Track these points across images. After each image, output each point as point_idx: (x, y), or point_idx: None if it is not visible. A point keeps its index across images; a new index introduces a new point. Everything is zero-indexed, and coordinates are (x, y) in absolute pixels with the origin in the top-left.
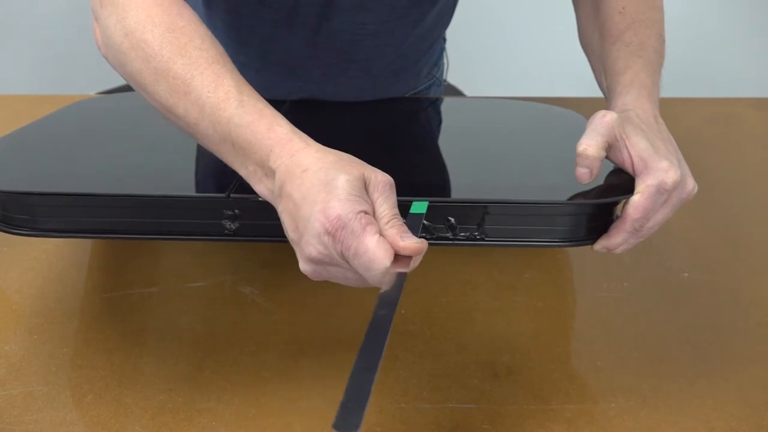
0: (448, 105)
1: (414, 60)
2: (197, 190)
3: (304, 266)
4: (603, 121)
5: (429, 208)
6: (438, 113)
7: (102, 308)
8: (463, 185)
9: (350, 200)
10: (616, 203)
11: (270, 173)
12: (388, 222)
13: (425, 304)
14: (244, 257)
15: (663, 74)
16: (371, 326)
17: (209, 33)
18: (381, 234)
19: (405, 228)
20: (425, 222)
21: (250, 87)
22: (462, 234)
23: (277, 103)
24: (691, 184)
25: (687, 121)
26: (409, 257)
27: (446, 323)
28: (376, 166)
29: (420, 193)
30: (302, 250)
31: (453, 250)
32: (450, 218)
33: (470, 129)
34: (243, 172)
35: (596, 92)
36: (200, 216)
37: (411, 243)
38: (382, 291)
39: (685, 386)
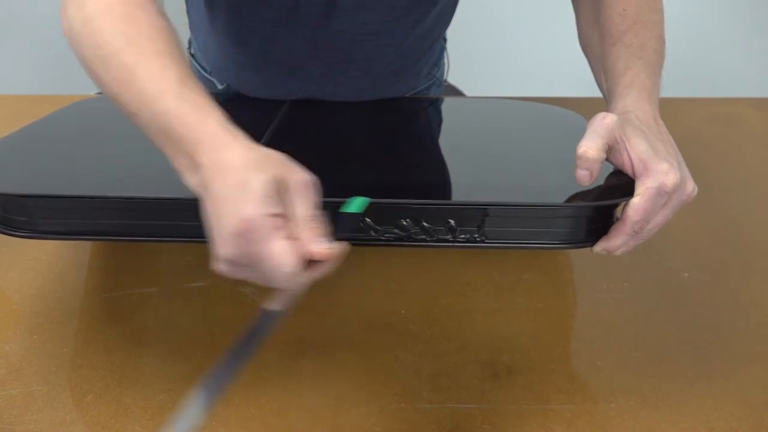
0: (448, 105)
1: (414, 60)
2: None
3: (218, 265)
4: (603, 123)
5: (427, 209)
6: (438, 113)
7: (102, 308)
8: (463, 187)
9: (262, 202)
10: (616, 205)
11: (197, 167)
12: (305, 224)
13: (425, 304)
14: None
15: (663, 74)
16: (243, 339)
17: (167, 26)
18: (295, 237)
19: (321, 230)
20: (425, 224)
21: (194, 80)
22: (462, 236)
23: (277, 103)
24: (690, 186)
25: (687, 121)
26: (319, 262)
27: (446, 323)
28: (375, 167)
29: (420, 194)
30: (216, 249)
31: (453, 251)
32: (450, 220)
33: (470, 129)
34: (175, 165)
35: (596, 92)
36: (200, 218)
37: (322, 248)
38: (276, 299)
39: (685, 386)
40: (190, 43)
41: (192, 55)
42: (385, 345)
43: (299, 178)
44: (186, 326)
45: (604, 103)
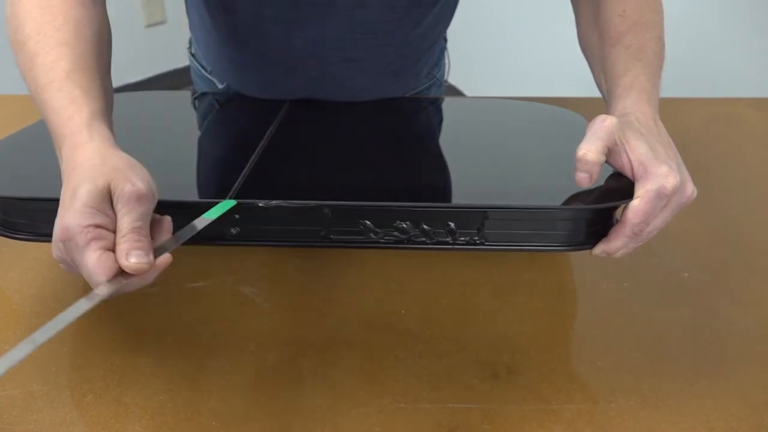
0: (448, 105)
1: (414, 60)
2: (198, 195)
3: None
4: (603, 125)
5: (426, 212)
6: (438, 113)
7: (102, 308)
8: (462, 189)
9: (83, 212)
10: (615, 208)
11: (61, 162)
12: (123, 236)
13: (425, 304)
14: (244, 257)
15: (663, 75)
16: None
17: (82, 16)
18: (115, 247)
19: (138, 244)
20: (425, 226)
21: (87, 73)
22: (462, 239)
23: (277, 104)
24: (690, 189)
25: (687, 121)
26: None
27: (446, 323)
28: (375, 168)
29: (420, 197)
30: (51, 248)
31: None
32: (450, 223)
33: (470, 130)
34: (57, 155)
35: (596, 92)
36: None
37: (133, 263)
38: (81, 298)
39: (685, 386)
40: (190, 42)
41: (192, 55)
42: (385, 345)
43: (128, 188)
44: (186, 326)
45: (604, 104)
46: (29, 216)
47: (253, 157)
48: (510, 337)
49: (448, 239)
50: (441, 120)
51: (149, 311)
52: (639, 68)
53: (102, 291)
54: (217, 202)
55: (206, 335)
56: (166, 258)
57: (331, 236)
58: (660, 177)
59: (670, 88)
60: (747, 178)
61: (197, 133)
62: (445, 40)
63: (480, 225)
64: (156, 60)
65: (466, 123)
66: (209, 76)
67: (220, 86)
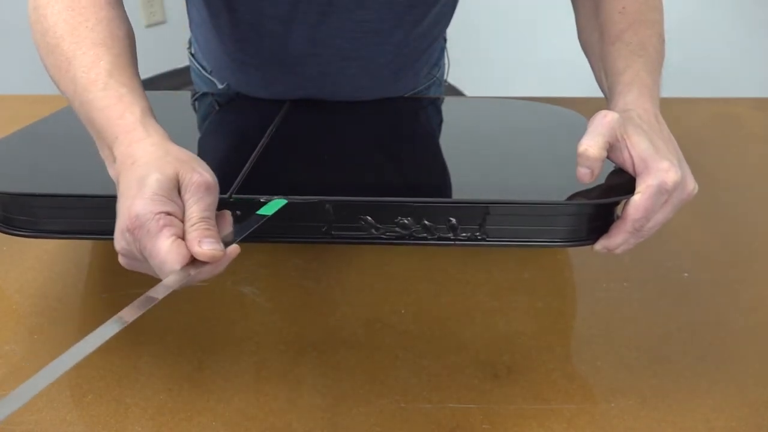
0: (448, 105)
1: (414, 59)
2: None
3: (119, 258)
4: (604, 121)
5: (428, 208)
6: (438, 113)
7: (102, 308)
8: (464, 185)
9: (153, 200)
10: (616, 203)
11: (114, 160)
12: (193, 225)
13: (425, 304)
14: (243, 257)
15: (663, 74)
16: (95, 331)
17: (111, 16)
18: (185, 236)
19: (209, 233)
20: (426, 222)
21: (127, 72)
22: (463, 234)
23: (277, 103)
24: (691, 185)
25: (687, 121)
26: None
27: (446, 323)
28: (375, 166)
29: (421, 193)
30: (114, 242)
31: (453, 250)
32: (451, 219)
33: (471, 128)
34: (102, 155)
35: (596, 92)
36: None
37: (206, 249)
38: (147, 294)
39: (685, 386)
40: (190, 42)
41: (192, 55)
42: (385, 345)
43: (197, 178)
44: (186, 326)
45: (605, 103)
46: (29, 213)
47: (253, 156)
48: (510, 337)
49: (449, 235)
50: (441, 119)
51: (149, 311)
52: (640, 65)
53: (172, 280)
54: (267, 200)
55: (206, 335)
56: (235, 248)
57: (333, 232)
58: (661, 172)
59: (670, 88)
60: (747, 178)
61: (197, 133)
62: (445, 40)
63: (481, 220)
64: (156, 60)
65: (467, 122)
66: (209, 76)
67: (220, 86)
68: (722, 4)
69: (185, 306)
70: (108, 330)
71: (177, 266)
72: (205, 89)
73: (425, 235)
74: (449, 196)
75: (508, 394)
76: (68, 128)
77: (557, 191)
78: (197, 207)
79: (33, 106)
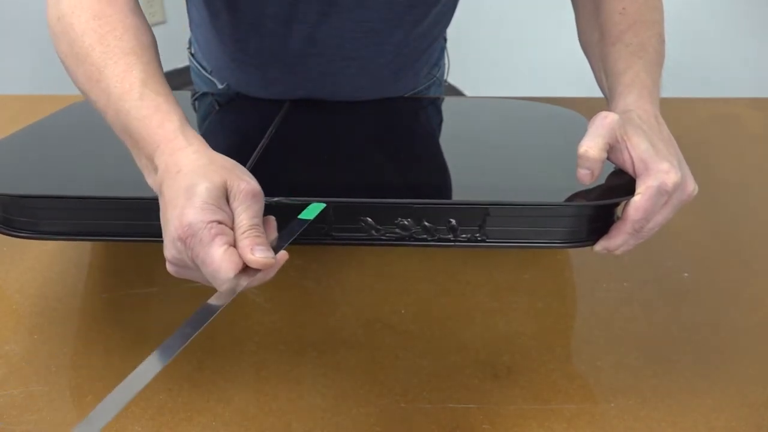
0: (448, 105)
1: (414, 59)
2: None
3: (167, 265)
4: (604, 122)
5: (428, 209)
6: (438, 113)
7: (102, 308)
8: (464, 186)
9: (204, 209)
10: (616, 204)
11: (156, 169)
12: (243, 232)
13: (425, 304)
14: None
15: (663, 74)
16: (167, 341)
17: (137, 24)
18: (235, 244)
19: (259, 240)
20: (426, 223)
21: (159, 80)
22: (463, 236)
23: (277, 103)
24: (691, 186)
25: (687, 121)
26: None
27: (446, 323)
28: (375, 166)
29: (421, 194)
30: (164, 250)
31: (453, 251)
32: (451, 220)
33: (471, 129)
34: (139, 164)
35: (596, 92)
36: None
37: (259, 257)
38: (204, 304)
39: (685, 386)
40: (190, 42)
41: (192, 55)
42: (385, 345)
43: (244, 186)
44: None
45: (605, 103)
46: (30, 214)
47: (253, 157)
48: (510, 337)
49: (449, 236)
50: (441, 119)
51: (149, 311)
52: (640, 66)
53: (228, 288)
54: (306, 203)
55: (206, 335)
56: (284, 254)
57: (333, 233)
58: (661, 173)
59: (670, 88)
60: (747, 178)
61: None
62: (445, 40)
63: (481, 222)
64: None
65: (467, 122)
66: (209, 76)
67: (220, 86)
68: (722, 4)
69: (185, 306)
70: (176, 342)
71: (231, 274)
72: (205, 89)
73: (425, 236)
74: (449, 197)
75: (508, 394)
76: (68, 129)
77: (557, 192)
78: (246, 215)
79: (33, 106)
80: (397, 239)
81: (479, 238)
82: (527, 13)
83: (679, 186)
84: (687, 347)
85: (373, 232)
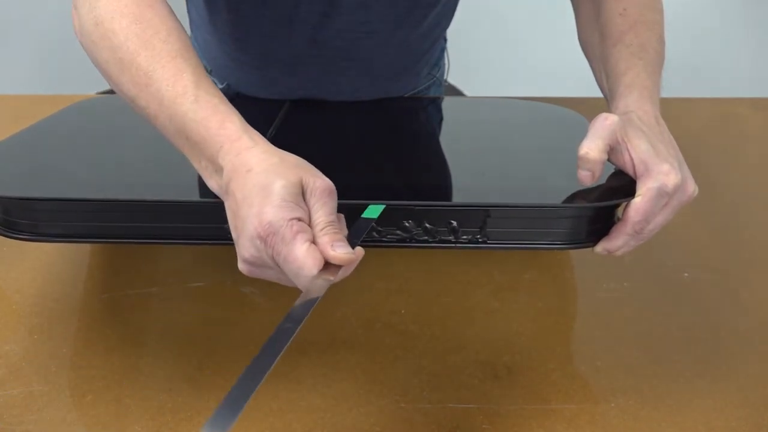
0: (448, 105)
1: (414, 60)
2: (199, 195)
3: (241, 265)
4: (605, 124)
5: (429, 211)
6: (439, 113)
7: (102, 308)
8: (464, 188)
9: (283, 207)
10: (617, 206)
11: (219, 170)
12: (322, 229)
13: (425, 304)
14: None
15: (663, 74)
16: (272, 337)
17: (177, 26)
18: (314, 241)
19: (339, 236)
20: (427, 225)
21: (210, 82)
22: (464, 237)
23: (277, 103)
24: (691, 187)
25: (687, 121)
26: (338, 266)
27: (446, 323)
28: (376, 168)
29: (422, 196)
30: (239, 250)
31: (453, 251)
32: (452, 221)
33: (471, 129)
34: (197, 166)
35: (597, 92)
36: (201, 221)
37: (341, 253)
38: (298, 301)
39: (685, 386)
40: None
41: None
42: (385, 345)
43: (320, 183)
44: (186, 326)
45: (605, 103)
46: (31, 216)
47: None
48: (510, 337)
49: (450, 238)
50: (442, 119)
51: (149, 311)
52: (640, 67)
53: (318, 285)
54: (366, 204)
55: (206, 335)
56: (360, 250)
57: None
58: (661, 175)
59: (670, 88)
60: (747, 178)
61: None
62: (445, 40)
63: (482, 223)
64: None
65: (467, 122)
66: (209, 76)
67: (220, 86)
68: (722, 4)
69: (185, 306)
70: (284, 335)
71: (315, 271)
72: None
73: (426, 238)
74: (450, 198)
75: (508, 394)
76: (68, 130)
77: (557, 193)
78: (323, 211)
79: (33, 106)
80: (398, 241)
81: (480, 240)
82: (527, 13)
83: (679, 188)
84: (687, 347)
85: (375, 234)
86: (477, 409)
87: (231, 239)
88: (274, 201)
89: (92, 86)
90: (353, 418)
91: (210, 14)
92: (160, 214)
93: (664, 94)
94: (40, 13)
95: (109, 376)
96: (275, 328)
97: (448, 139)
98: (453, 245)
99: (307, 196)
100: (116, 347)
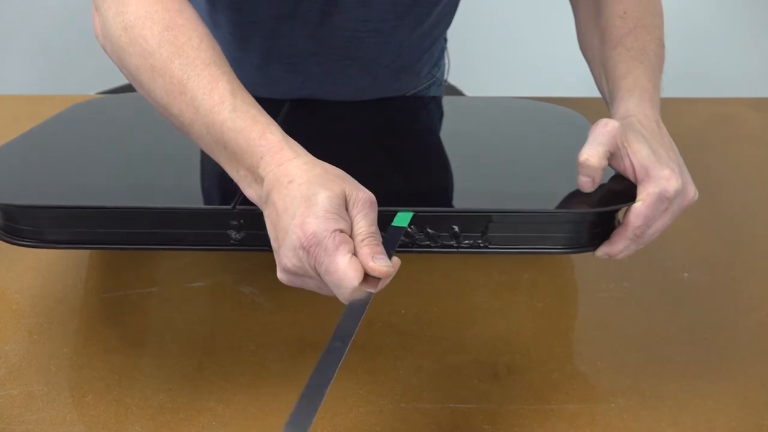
0: (448, 105)
1: (415, 59)
2: (203, 201)
3: (280, 275)
4: (605, 130)
5: (431, 216)
6: (438, 113)
7: (102, 308)
8: (466, 192)
9: (327, 218)
10: (617, 211)
11: (259, 179)
12: (363, 240)
13: (425, 304)
14: (244, 258)
15: (663, 74)
16: (324, 355)
17: (208, 32)
18: (355, 252)
19: (379, 248)
20: (429, 230)
21: (245, 91)
22: (466, 242)
23: (277, 103)
24: (692, 192)
25: (687, 122)
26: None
27: (446, 323)
28: (377, 170)
29: (421, 199)
30: (280, 259)
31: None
32: (454, 227)
33: (471, 129)
34: (234, 175)
35: (597, 92)
36: (206, 227)
37: (381, 265)
38: (344, 313)
39: (685, 386)
40: None
41: None
42: (385, 345)
43: (362, 195)
44: (186, 326)
45: (605, 104)
46: (33, 223)
47: None
48: (510, 337)
49: (452, 243)
50: (442, 119)
51: (149, 311)
52: (640, 70)
53: (363, 295)
54: (395, 211)
55: (206, 335)
56: (397, 261)
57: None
58: (662, 180)
59: (670, 89)
60: (747, 178)
61: None
62: (445, 40)
63: (484, 228)
64: None
65: (467, 122)
66: None
67: None
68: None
69: (185, 306)
70: (335, 354)
71: (356, 282)
72: None
73: (428, 242)
74: (451, 203)
75: (508, 394)
76: (69, 133)
77: (558, 198)
78: (365, 222)
79: (33, 106)
80: (400, 246)
81: (482, 245)
82: (527, 14)
83: (679, 192)
84: (687, 347)
85: None
86: (477, 409)
87: (233, 245)
88: (318, 212)
89: (92, 86)
90: (353, 418)
91: (211, 11)
92: (165, 221)
93: (665, 95)
94: (41, 13)
95: (109, 376)
96: (326, 346)
97: (448, 140)
98: (455, 250)
99: (350, 207)
100: (116, 347)
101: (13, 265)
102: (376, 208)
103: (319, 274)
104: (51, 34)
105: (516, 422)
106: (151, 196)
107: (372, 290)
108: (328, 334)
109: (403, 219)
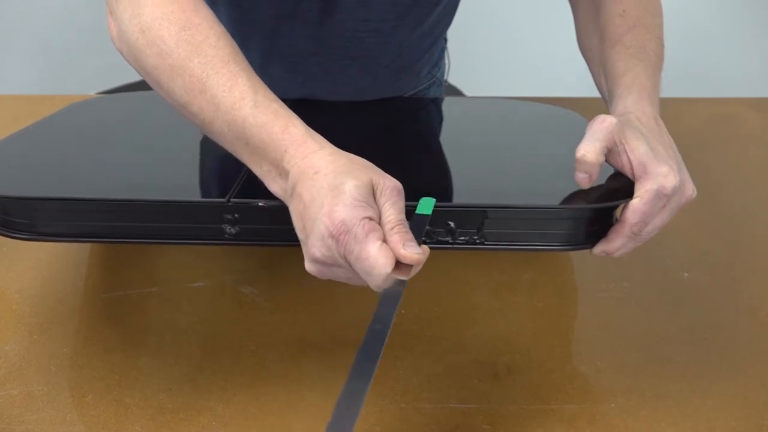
0: (448, 105)
1: (415, 59)
2: (199, 195)
3: (309, 266)
4: (602, 126)
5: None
6: (438, 113)
7: (102, 308)
8: (462, 188)
9: (355, 206)
10: (615, 207)
11: (284, 173)
12: (392, 228)
13: (425, 304)
14: (244, 257)
15: (663, 74)
16: (366, 339)
17: (224, 30)
18: (385, 240)
19: (409, 235)
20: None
21: (265, 86)
22: (461, 238)
23: None
24: (690, 189)
25: (687, 122)
26: (410, 265)
27: (446, 323)
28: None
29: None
30: (308, 250)
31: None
32: (450, 222)
33: (470, 129)
34: (257, 171)
35: (596, 92)
36: (201, 220)
37: (412, 252)
38: (380, 300)
39: (685, 386)
40: None
41: None
42: (385, 345)
43: (390, 183)
44: (186, 326)
45: (604, 104)
46: (30, 216)
47: None
48: (510, 337)
49: (447, 239)
50: (441, 119)
51: (149, 311)
52: (639, 68)
53: (389, 284)
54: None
55: (206, 335)
56: (426, 249)
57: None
58: (660, 177)
59: (670, 89)
60: (747, 178)
61: (197, 135)
62: (446, 40)
63: (480, 224)
64: None
65: (467, 122)
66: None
67: None
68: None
69: (185, 306)
70: (377, 336)
71: (388, 269)
72: None
73: (424, 238)
74: (448, 199)
75: (508, 394)
76: (68, 129)
77: (555, 195)
78: (393, 210)
79: (33, 106)
80: None
81: (477, 241)
82: (527, 14)
83: (677, 189)
84: (687, 347)
85: None
86: (477, 409)
87: (228, 239)
88: (346, 200)
89: (92, 86)
90: None
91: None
92: (159, 214)
93: (664, 94)
94: (41, 13)
95: (109, 376)
96: (367, 329)
97: (447, 139)
98: (450, 246)
99: (377, 195)
100: (116, 347)
101: (13, 265)
102: (403, 196)
103: (349, 263)
104: (51, 34)
105: (516, 422)
106: (144, 189)
107: (404, 278)
108: (328, 334)
109: (426, 206)
